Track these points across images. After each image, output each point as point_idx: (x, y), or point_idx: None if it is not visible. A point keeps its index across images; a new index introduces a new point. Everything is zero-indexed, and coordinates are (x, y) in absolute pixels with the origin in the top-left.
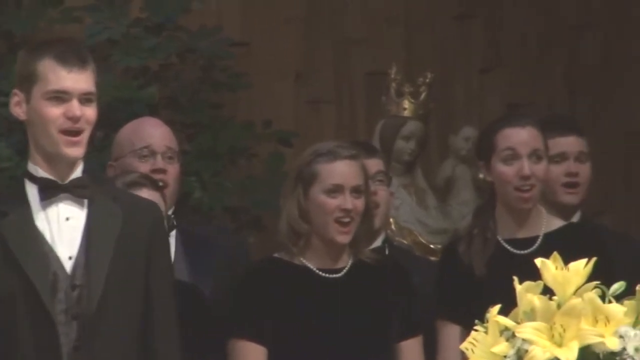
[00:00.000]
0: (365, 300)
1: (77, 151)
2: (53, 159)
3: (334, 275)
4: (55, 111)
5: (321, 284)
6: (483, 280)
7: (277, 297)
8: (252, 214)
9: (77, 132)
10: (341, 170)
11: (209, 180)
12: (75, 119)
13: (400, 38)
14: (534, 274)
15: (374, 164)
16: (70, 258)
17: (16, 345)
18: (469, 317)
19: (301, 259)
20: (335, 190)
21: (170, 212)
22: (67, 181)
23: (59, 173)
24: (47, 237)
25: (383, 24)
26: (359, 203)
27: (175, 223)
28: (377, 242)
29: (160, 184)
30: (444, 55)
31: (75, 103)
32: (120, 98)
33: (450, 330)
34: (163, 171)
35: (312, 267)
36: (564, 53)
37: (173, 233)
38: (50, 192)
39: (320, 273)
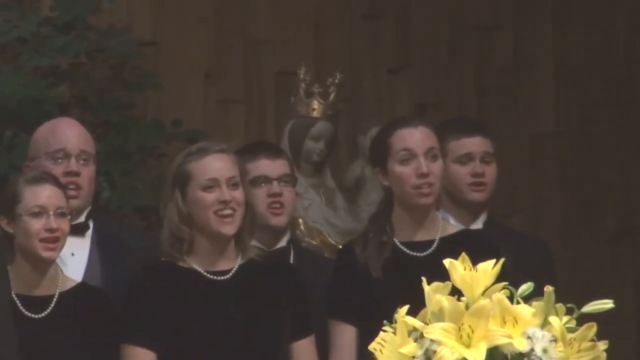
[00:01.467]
0: (255, 302)
1: None
2: None
3: (222, 277)
4: None
5: (209, 287)
6: (379, 281)
7: (164, 301)
8: (162, 213)
9: None
10: (213, 165)
11: (119, 180)
12: None
13: (310, 38)
14: (430, 276)
15: (279, 165)
16: None
17: None
18: (363, 318)
19: (188, 261)
20: (211, 185)
21: (85, 213)
22: None
23: None
24: None
25: (293, 24)
26: (237, 194)
27: (91, 225)
28: (282, 243)
29: (72, 186)
30: (353, 55)
31: None
32: (29, 97)
33: (344, 331)
34: (76, 174)
35: (199, 269)
36: (473, 54)
37: (88, 233)
38: None
39: (208, 275)
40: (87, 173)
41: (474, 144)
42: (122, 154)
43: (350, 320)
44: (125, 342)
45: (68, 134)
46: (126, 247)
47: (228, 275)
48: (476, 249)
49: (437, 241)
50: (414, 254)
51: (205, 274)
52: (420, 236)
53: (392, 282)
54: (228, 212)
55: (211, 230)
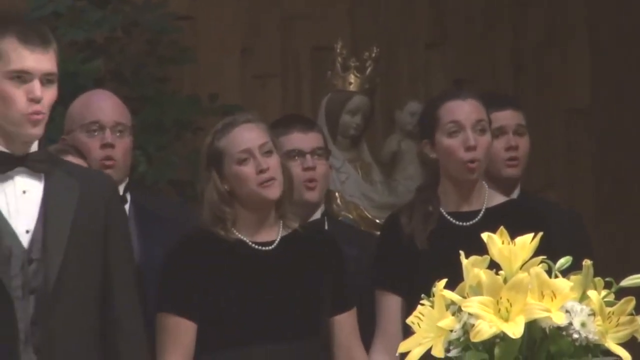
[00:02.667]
0: (298, 273)
1: (38, 131)
2: (12, 136)
3: (266, 248)
4: (16, 92)
5: (252, 257)
6: (425, 252)
7: (206, 270)
8: (198, 187)
9: (38, 113)
10: (243, 136)
11: (155, 154)
12: (36, 100)
13: (345, 12)
14: (475, 246)
15: (312, 138)
16: (27, 232)
17: None
18: (409, 287)
19: (234, 230)
20: (245, 156)
21: (122, 187)
22: (23, 155)
23: (16, 148)
24: (3, 210)
25: None
26: (272, 161)
27: (128, 198)
28: (316, 215)
29: (108, 159)
30: (389, 30)
31: (36, 83)
32: (65, 71)
33: (391, 300)
34: (111, 146)
35: (244, 238)
36: (509, 29)
37: (126, 207)
38: (7, 166)
39: (252, 245)
40: (123, 145)
41: (506, 116)
42: (158, 128)
43: (395, 290)
44: (166, 311)
45: (102, 105)
46: (163, 221)
47: (272, 246)
48: (522, 219)
49: (482, 211)
50: (460, 223)
51: (250, 243)
52: (467, 207)
53: (438, 252)
54: (268, 180)
55: (255, 200)
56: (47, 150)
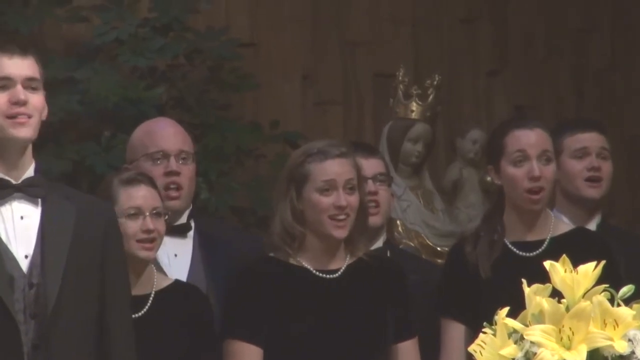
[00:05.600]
0: (361, 301)
1: (25, 132)
2: (3, 152)
3: (331, 276)
4: (0, 98)
5: (317, 284)
6: (488, 281)
7: (272, 297)
8: (259, 214)
9: (21, 115)
10: (333, 168)
11: (216, 181)
12: (20, 103)
13: (408, 40)
14: (540, 276)
15: (374, 165)
16: (26, 257)
17: None
18: (473, 316)
19: (298, 258)
20: (328, 188)
21: (186, 214)
22: (20, 181)
23: (11, 171)
24: (2, 236)
25: (390, 25)
26: (353, 199)
27: (192, 225)
28: (378, 243)
29: (173, 186)
30: (451, 58)
31: (19, 88)
32: (127, 98)
33: (455, 329)
34: (176, 173)
35: (308, 266)
36: (570, 56)
37: (190, 234)
38: (4, 192)
39: (317, 273)
40: (187, 172)
41: (590, 138)
42: (220, 155)
43: (459, 318)
44: (231, 337)
45: (165, 134)
46: (228, 247)
47: (337, 274)
48: (588, 248)
49: (547, 241)
50: (524, 254)
51: (313, 271)
52: (531, 236)
53: (501, 282)
54: (342, 217)
55: (323, 232)
56: (42, 176)
